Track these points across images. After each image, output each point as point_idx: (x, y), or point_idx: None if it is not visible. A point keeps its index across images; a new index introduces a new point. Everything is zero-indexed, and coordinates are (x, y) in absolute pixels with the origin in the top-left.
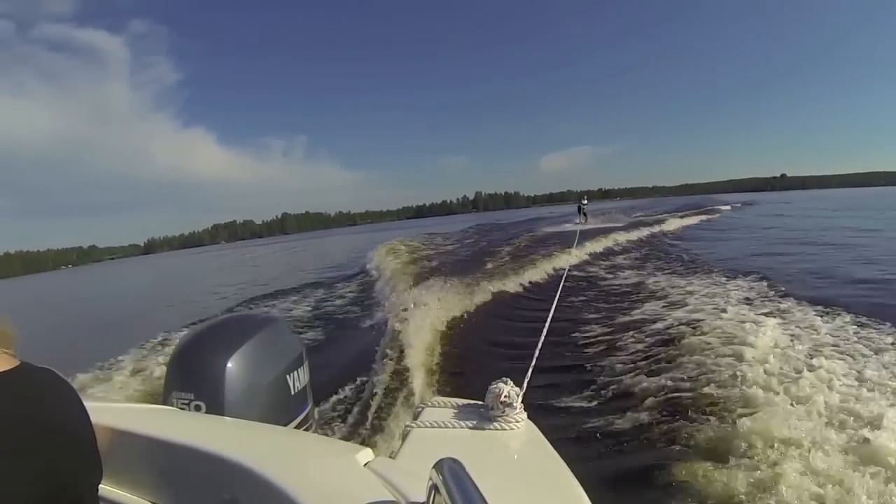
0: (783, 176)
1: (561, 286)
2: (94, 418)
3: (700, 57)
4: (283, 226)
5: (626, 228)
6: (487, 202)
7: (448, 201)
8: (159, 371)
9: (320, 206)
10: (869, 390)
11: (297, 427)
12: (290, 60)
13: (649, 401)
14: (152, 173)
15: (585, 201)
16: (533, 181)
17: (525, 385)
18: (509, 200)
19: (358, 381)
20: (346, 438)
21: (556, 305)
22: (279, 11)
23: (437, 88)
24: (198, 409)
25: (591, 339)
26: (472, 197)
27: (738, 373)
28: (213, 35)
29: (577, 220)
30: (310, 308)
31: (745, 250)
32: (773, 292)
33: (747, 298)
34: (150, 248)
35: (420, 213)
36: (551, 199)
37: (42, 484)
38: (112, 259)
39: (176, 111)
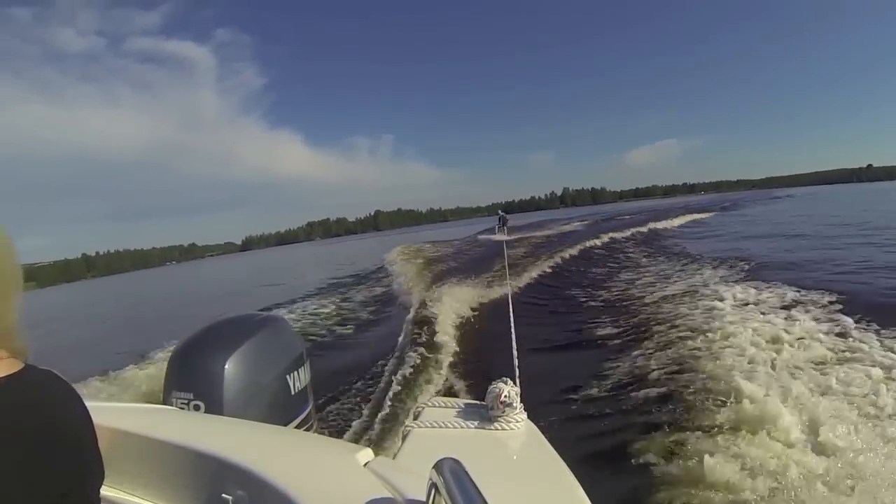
0: (869, 167)
1: (510, 300)
2: (95, 418)
3: (799, 44)
4: (376, 222)
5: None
6: (574, 198)
7: (535, 197)
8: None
9: (410, 204)
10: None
11: (298, 427)
12: (372, 62)
13: (649, 401)
14: (243, 174)
15: (502, 213)
16: (619, 176)
17: (523, 385)
18: (596, 196)
19: (359, 382)
20: (346, 438)
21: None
22: (360, 16)
23: (521, 85)
24: (196, 408)
25: (595, 341)
26: (559, 193)
27: (743, 372)
28: (296, 40)
29: (496, 234)
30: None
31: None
32: (764, 284)
33: (745, 297)
34: (247, 245)
35: (509, 208)
36: (637, 193)
37: (44, 489)
38: (211, 256)
39: (263, 114)
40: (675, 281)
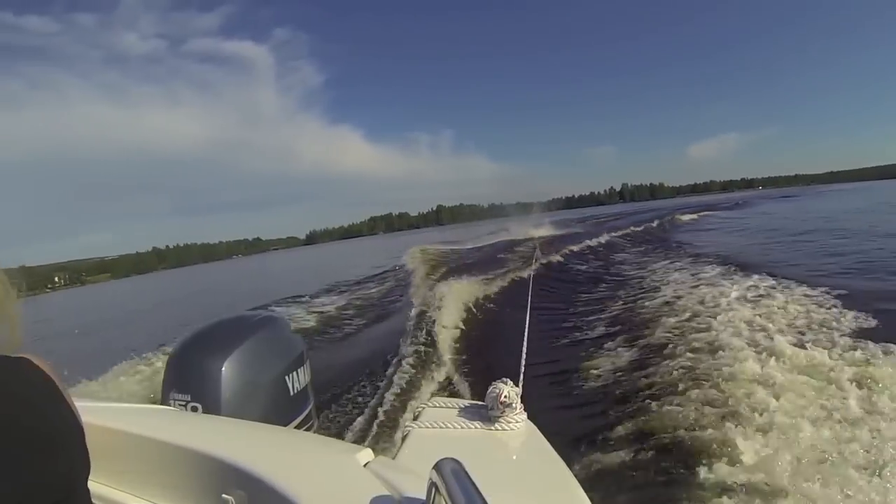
0: None
1: (531, 287)
2: (94, 419)
3: (872, 32)
4: (439, 217)
5: None
6: (633, 193)
7: (596, 192)
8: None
9: (471, 198)
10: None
11: (297, 427)
12: (430, 57)
13: (650, 401)
14: (305, 170)
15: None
16: (679, 170)
17: (525, 385)
18: (654, 191)
19: (359, 381)
20: (346, 439)
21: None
22: (417, 12)
23: (584, 79)
24: (194, 410)
25: (594, 341)
26: (618, 188)
27: (744, 371)
28: (353, 37)
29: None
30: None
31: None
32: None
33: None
34: (312, 239)
35: (569, 204)
36: (694, 189)
37: (11, 484)
38: (275, 249)
39: (322, 111)
40: (693, 285)
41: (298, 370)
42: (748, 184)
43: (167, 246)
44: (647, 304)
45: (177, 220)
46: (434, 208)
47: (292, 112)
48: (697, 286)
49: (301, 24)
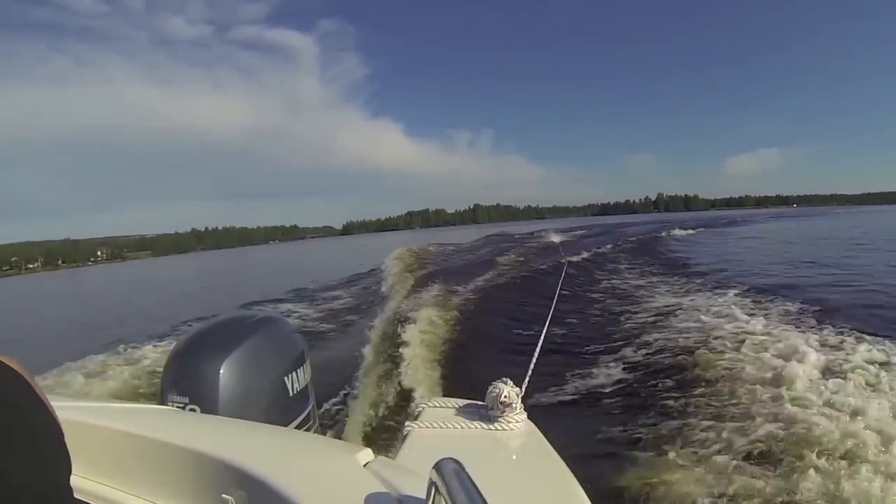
0: None
1: (559, 287)
2: (92, 418)
3: None
4: (475, 216)
5: None
6: (668, 203)
7: (631, 201)
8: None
9: (508, 199)
10: None
11: (297, 428)
12: (474, 55)
13: (649, 402)
14: (344, 161)
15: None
16: (715, 183)
17: (525, 385)
18: (688, 203)
19: (359, 382)
20: (346, 439)
21: (556, 307)
22: (462, 7)
23: (627, 84)
24: (192, 412)
25: (594, 342)
26: (654, 197)
27: (742, 373)
28: (398, 31)
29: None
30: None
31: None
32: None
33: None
34: (348, 229)
35: (605, 210)
36: (729, 203)
37: None
38: (312, 238)
39: (364, 103)
40: (696, 292)
41: (298, 370)
42: (783, 201)
43: (206, 228)
44: (649, 306)
45: (216, 202)
46: (471, 207)
47: (335, 103)
48: (696, 301)
49: (347, 16)
